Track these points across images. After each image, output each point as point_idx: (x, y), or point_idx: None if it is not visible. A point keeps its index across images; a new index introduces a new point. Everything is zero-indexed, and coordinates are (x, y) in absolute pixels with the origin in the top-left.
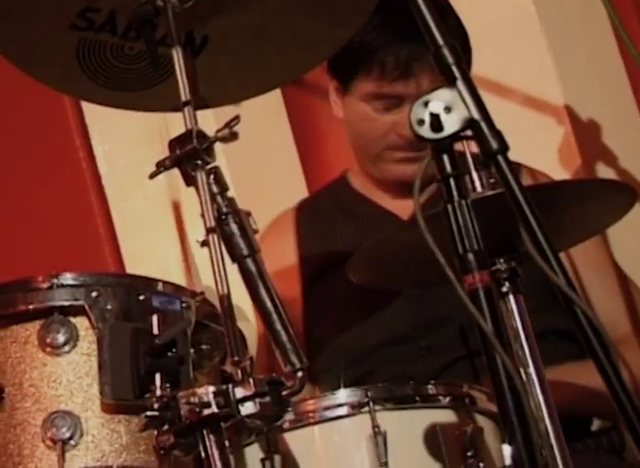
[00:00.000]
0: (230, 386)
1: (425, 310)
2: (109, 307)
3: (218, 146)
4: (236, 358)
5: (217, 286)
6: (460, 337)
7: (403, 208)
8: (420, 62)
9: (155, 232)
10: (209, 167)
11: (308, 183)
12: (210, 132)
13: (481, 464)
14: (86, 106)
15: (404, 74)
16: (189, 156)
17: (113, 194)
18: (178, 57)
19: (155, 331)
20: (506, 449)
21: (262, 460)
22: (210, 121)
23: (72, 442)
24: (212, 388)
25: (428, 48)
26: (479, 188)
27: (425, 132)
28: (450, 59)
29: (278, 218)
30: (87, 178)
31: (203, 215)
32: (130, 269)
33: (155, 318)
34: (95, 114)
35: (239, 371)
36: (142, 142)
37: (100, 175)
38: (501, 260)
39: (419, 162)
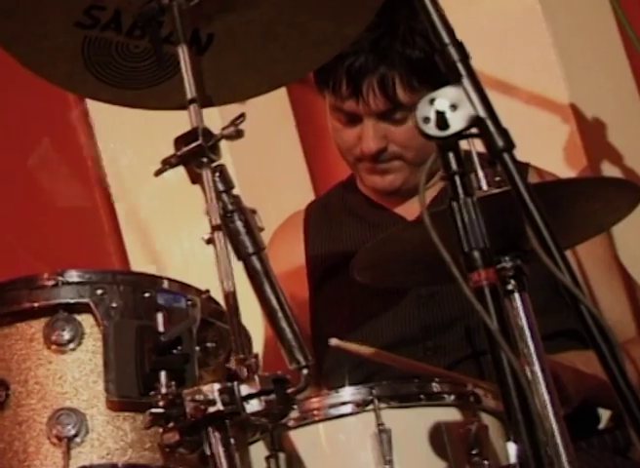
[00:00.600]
0: (235, 384)
1: (433, 311)
2: (115, 305)
3: (223, 144)
4: (241, 355)
5: (222, 283)
6: (466, 337)
7: (410, 211)
8: (369, 81)
9: (160, 230)
10: (214, 164)
11: (313, 181)
12: (215, 130)
13: (486, 462)
14: (91, 104)
15: (354, 94)
16: (195, 154)
17: (118, 192)
18: (183, 55)
19: (160, 328)
20: (511, 448)
21: (267, 458)
22: (215, 119)
23: (77, 439)
24: (217, 386)
25: (380, 59)
26: (485, 186)
27: (431, 129)
28: (455, 57)
29: (287, 220)
30: (91, 176)
31: (208, 213)
32: (134, 267)
33: (160, 316)
34: (99, 112)
35: (244, 369)
36: (147, 140)
37: (104, 173)
38: (507, 258)
39: (390, 173)
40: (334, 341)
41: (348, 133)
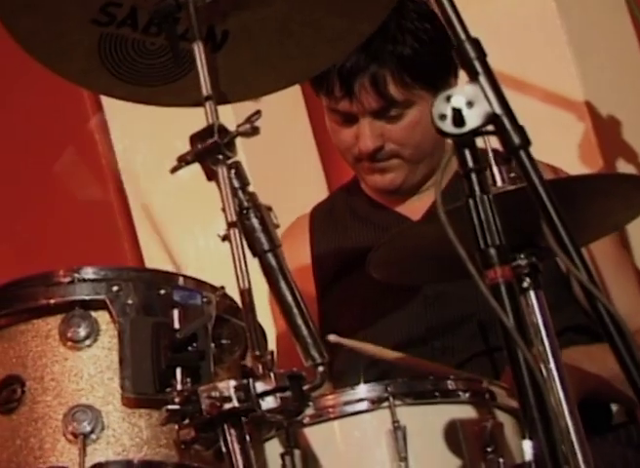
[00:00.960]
0: (251, 381)
1: (441, 311)
2: (130, 302)
3: (236, 142)
4: (257, 352)
5: (238, 280)
6: (474, 337)
7: (413, 210)
8: (361, 80)
9: (174, 227)
10: (230, 161)
11: (327, 178)
12: (228, 127)
13: (501, 460)
14: (105, 101)
15: (347, 94)
16: (211, 151)
17: (132, 189)
18: (199, 51)
19: (176, 325)
20: (527, 445)
21: (282, 455)
22: (229, 116)
23: (93, 436)
24: (233, 382)
25: (370, 58)
26: (499, 183)
27: (447, 126)
28: (472, 54)
29: (293, 223)
30: (106, 174)
31: (224, 210)
32: (149, 264)
33: (176, 312)
34: (114, 109)
35: (260, 366)
36: (162, 137)
37: (119, 171)
38: (522, 256)
39: (390, 171)
40: (332, 337)
41: (345, 133)
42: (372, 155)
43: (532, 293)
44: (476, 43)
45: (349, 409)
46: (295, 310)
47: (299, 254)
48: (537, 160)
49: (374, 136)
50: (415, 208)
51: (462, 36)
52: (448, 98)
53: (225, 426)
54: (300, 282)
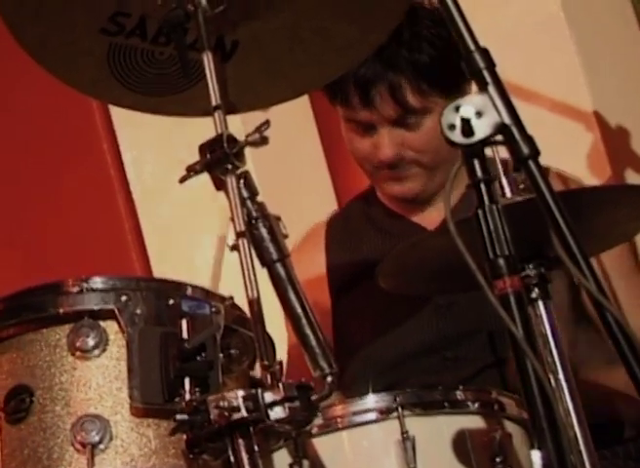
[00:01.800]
0: (260, 391)
1: (452, 321)
2: (139, 311)
3: (245, 151)
4: (265, 362)
5: (246, 290)
6: (486, 347)
7: (429, 219)
8: (378, 89)
9: (183, 237)
10: (239, 171)
11: (336, 188)
12: (237, 137)
13: None
14: (114, 111)
15: (364, 103)
16: (219, 160)
17: (141, 199)
18: (208, 61)
19: (184, 335)
20: (535, 455)
21: (291, 465)
22: (237, 126)
23: (101, 445)
24: (241, 392)
25: (387, 66)
26: (508, 194)
27: (456, 137)
28: (481, 64)
29: (310, 232)
30: (114, 184)
31: (233, 220)
32: (157, 274)
33: (184, 322)
34: (123, 119)
35: (268, 376)
36: (170, 147)
37: (127, 181)
38: (531, 266)
39: (409, 179)
40: None
41: (364, 142)
42: (391, 164)
43: (540, 304)
44: (485, 53)
45: (358, 419)
46: (303, 320)
47: (314, 263)
48: (547, 167)
49: (393, 145)
50: (431, 218)
51: (472, 46)
52: (457, 109)
53: (234, 436)
54: (315, 291)
